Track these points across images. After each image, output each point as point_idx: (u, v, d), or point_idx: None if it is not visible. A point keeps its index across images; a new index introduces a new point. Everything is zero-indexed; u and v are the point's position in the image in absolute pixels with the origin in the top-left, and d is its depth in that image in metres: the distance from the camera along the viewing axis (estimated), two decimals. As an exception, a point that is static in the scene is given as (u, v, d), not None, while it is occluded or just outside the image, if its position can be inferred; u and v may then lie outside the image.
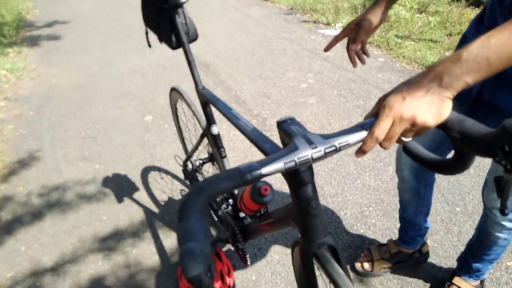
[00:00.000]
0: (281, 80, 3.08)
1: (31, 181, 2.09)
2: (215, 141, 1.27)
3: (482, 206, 1.15)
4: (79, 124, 2.63)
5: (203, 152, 1.59)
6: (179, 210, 0.46)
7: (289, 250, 1.58)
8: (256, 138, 0.79)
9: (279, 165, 0.53)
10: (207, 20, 4.78)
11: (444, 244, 1.56)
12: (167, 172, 2.10)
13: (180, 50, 1.20)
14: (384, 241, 1.53)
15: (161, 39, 1.24)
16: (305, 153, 0.54)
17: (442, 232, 1.61)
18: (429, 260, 1.50)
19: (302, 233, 0.75)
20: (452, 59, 0.51)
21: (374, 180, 1.93)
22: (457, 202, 1.77)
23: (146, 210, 1.84)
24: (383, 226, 1.66)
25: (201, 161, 1.48)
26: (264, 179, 0.61)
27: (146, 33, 1.30)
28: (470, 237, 1.29)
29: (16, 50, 4.10)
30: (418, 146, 0.63)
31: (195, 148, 1.46)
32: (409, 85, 0.54)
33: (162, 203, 1.88)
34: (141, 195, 1.94)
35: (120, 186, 2.01)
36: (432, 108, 0.52)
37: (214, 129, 1.25)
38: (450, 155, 0.57)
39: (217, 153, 1.30)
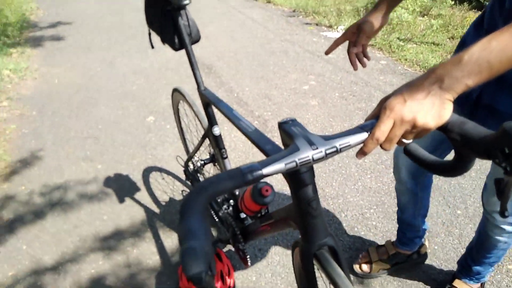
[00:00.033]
0: (283, 82, 3.09)
1: (33, 180, 2.10)
2: (217, 142, 1.27)
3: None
4: (81, 124, 2.64)
5: (204, 153, 1.59)
6: (180, 209, 0.46)
7: (289, 251, 1.58)
8: (257, 139, 0.79)
9: (280, 165, 0.53)
10: (210, 21, 4.79)
11: (445, 246, 1.56)
12: (168, 173, 2.10)
13: (183, 51, 1.20)
14: (383, 242, 1.53)
15: (164, 41, 1.24)
16: (306, 154, 0.54)
17: (443, 235, 1.61)
18: (430, 262, 1.49)
19: (303, 234, 0.75)
20: (453, 61, 0.51)
21: (375, 182, 1.93)
22: (458, 205, 1.76)
23: (147, 210, 1.85)
24: (384, 228, 1.66)
25: (202, 162, 1.49)
26: (265, 179, 0.61)
27: (149, 34, 1.31)
28: (471, 240, 1.29)
29: (19, 51, 4.13)
30: (418, 148, 0.63)
31: (197, 148, 1.46)
32: (410, 87, 0.54)
33: (163, 204, 1.88)
34: (142, 195, 1.94)
35: (121, 186, 2.02)
36: (433, 110, 0.52)
37: (216, 130, 1.25)
38: (449, 157, 0.57)
39: (218, 154, 1.31)
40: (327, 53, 1.01)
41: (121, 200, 1.92)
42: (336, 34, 4.16)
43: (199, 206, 0.46)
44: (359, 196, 1.86)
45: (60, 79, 3.43)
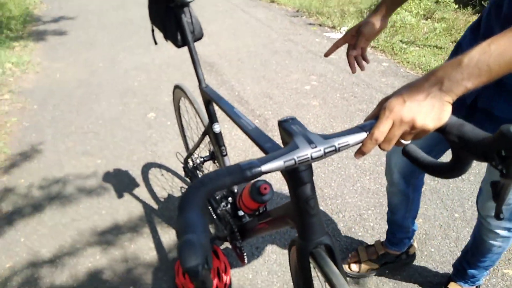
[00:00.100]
0: (284, 81, 3.09)
1: (33, 174, 2.10)
2: (217, 139, 1.28)
3: (480, 213, 1.15)
4: (81, 119, 2.65)
5: (204, 150, 1.60)
6: (179, 204, 0.46)
7: (286, 251, 1.58)
8: (257, 137, 0.79)
9: (278, 163, 0.53)
10: (213, 20, 4.80)
11: (441, 249, 1.56)
12: (167, 169, 2.11)
13: (185, 48, 1.21)
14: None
15: (166, 37, 1.25)
16: (305, 152, 0.55)
17: (440, 238, 1.62)
18: (426, 264, 1.50)
19: (300, 232, 0.76)
20: (453, 64, 0.52)
21: (374, 184, 1.94)
22: (456, 208, 1.77)
23: (146, 206, 1.85)
24: (381, 230, 1.66)
25: (202, 159, 1.49)
26: (264, 178, 0.62)
27: (152, 30, 1.31)
28: (466, 244, 1.30)
29: (22, 44, 4.13)
30: (417, 149, 0.63)
31: (197, 145, 1.46)
32: (410, 88, 0.55)
33: (162, 200, 1.89)
34: (141, 191, 1.95)
35: (120, 182, 2.02)
36: (432, 112, 0.52)
37: (216, 127, 1.25)
38: (446, 158, 0.58)
39: (218, 151, 1.31)
40: (326, 55, 1.02)
41: (120, 195, 1.92)
42: (339, 35, 4.16)
43: (198, 200, 0.47)
44: (358, 197, 1.86)
45: (62, 73, 3.43)
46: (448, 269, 1.47)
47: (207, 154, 1.49)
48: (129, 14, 5.19)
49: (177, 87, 1.51)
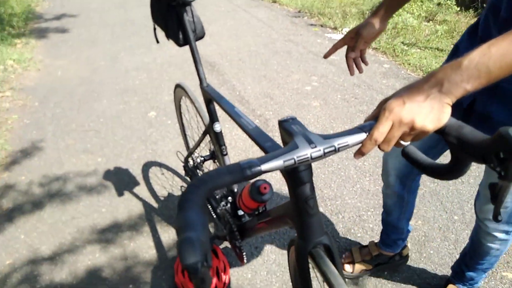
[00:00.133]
0: (285, 81, 3.09)
1: (33, 171, 2.11)
2: (217, 139, 1.28)
3: (479, 215, 1.15)
4: (82, 117, 2.65)
5: (204, 149, 1.60)
6: (179, 201, 0.47)
7: (285, 251, 1.59)
8: (257, 136, 0.80)
9: (278, 162, 0.54)
10: (214, 19, 4.80)
11: (440, 251, 1.57)
12: (168, 168, 2.11)
13: (186, 47, 1.21)
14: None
15: (168, 36, 1.25)
16: (305, 152, 0.55)
17: (439, 240, 1.62)
18: (425, 266, 1.50)
19: (299, 231, 0.76)
20: (452, 66, 0.52)
21: (374, 185, 1.94)
22: (456, 210, 1.77)
23: (146, 204, 1.85)
24: (380, 231, 1.66)
25: (202, 158, 1.50)
26: (263, 177, 0.62)
27: (154, 29, 1.32)
28: (465, 246, 1.30)
29: (23, 41, 4.14)
30: (416, 150, 0.64)
31: (197, 145, 1.47)
32: (410, 89, 0.55)
33: (162, 199, 1.89)
34: (141, 189, 1.95)
35: (120, 180, 2.02)
36: (432, 113, 0.53)
37: (217, 127, 1.26)
38: (444, 160, 0.58)
39: (218, 151, 1.31)
40: (325, 56, 1.02)
41: (120, 194, 1.92)
42: (341, 36, 4.15)
43: (198, 198, 0.47)
44: (357, 198, 1.86)
45: (63, 71, 3.43)
46: (447, 271, 1.47)
47: (208, 153, 1.49)
48: (130, 13, 5.20)
49: (178, 86, 1.51)
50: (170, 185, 1.98)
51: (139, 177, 2.04)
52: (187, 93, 1.44)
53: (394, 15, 1.04)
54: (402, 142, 0.57)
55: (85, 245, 1.64)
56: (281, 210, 0.86)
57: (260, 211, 1.02)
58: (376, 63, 3.38)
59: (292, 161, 0.54)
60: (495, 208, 0.52)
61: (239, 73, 3.28)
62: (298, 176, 0.68)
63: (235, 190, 1.29)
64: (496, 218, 0.53)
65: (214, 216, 1.42)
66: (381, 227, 1.63)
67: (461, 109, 0.91)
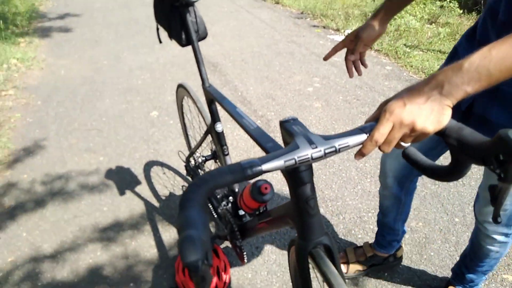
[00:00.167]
0: (287, 82, 3.10)
1: (36, 169, 2.12)
2: (219, 139, 1.29)
3: (480, 217, 1.15)
4: (85, 116, 2.66)
5: (206, 149, 1.61)
6: (181, 200, 0.47)
7: (286, 251, 1.59)
8: (259, 136, 0.80)
9: (279, 162, 0.54)
10: (217, 20, 4.81)
11: (440, 253, 1.56)
12: (169, 168, 2.12)
13: (189, 48, 1.22)
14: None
15: (171, 36, 1.26)
16: (305, 152, 0.56)
17: (440, 242, 1.62)
18: (425, 268, 1.50)
19: (299, 231, 0.76)
20: (453, 68, 0.52)
21: (375, 187, 1.94)
22: (457, 212, 1.77)
23: (147, 203, 1.86)
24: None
25: (203, 158, 1.50)
26: (264, 178, 0.62)
27: (157, 29, 1.33)
28: (465, 248, 1.30)
29: (27, 40, 4.16)
30: (416, 152, 0.64)
31: (199, 144, 1.47)
32: (411, 91, 0.55)
33: (163, 198, 1.90)
34: (142, 188, 1.96)
35: (122, 179, 2.03)
36: (432, 115, 0.53)
37: (219, 127, 1.26)
38: (443, 161, 0.58)
39: (220, 151, 1.32)
40: (325, 58, 1.02)
41: (122, 193, 1.93)
42: (343, 37, 4.16)
43: (199, 197, 0.47)
44: (358, 199, 1.86)
45: (66, 70, 3.45)
46: (447, 273, 1.47)
47: (209, 153, 1.50)
48: (134, 13, 5.22)
49: (180, 86, 1.52)
50: (171, 184, 1.99)
51: (141, 176, 2.05)
52: (189, 93, 1.45)
53: (396, 17, 1.04)
54: (402, 143, 0.57)
55: (86, 244, 1.65)
56: (281, 210, 0.87)
57: (261, 211, 1.02)
58: (378, 65, 3.38)
59: (293, 161, 0.55)
60: (494, 210, 0.53)
61: (242, 73, 3.29)
62: (299, 176, 0.69)
63: (236, 190, 1.29)
64: (495, 220, 0.53)
65: (215, 216, 1.43)
66: (381, 229, 1.63)
67: (459, 111, 0.91)
